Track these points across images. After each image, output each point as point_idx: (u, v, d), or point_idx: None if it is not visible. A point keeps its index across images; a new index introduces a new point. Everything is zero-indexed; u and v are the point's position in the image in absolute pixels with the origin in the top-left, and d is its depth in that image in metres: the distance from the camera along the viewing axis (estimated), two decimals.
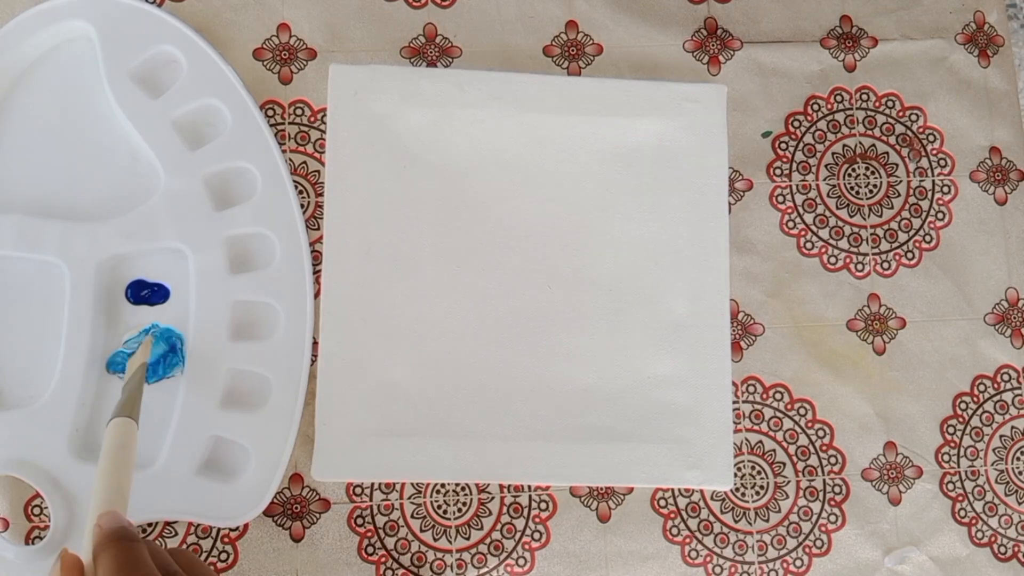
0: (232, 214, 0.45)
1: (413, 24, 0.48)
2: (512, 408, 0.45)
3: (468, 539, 0.45)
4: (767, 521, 0.46)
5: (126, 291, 0.44)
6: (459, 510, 0.45)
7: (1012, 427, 0.48)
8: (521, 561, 0.45)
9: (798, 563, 0.46)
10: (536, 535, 0.45)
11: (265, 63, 0.47)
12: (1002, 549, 0.47)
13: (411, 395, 0.45)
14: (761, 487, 0.47)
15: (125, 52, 0.45)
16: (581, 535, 0.45)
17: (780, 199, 0.49)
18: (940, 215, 0.50)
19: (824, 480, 0.47)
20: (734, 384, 0.47)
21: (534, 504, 0.45)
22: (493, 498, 0.45)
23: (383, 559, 0.44)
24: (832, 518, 0.47)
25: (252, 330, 0.45)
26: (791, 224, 0.49)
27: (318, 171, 0.47)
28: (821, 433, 0.47)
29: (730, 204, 0.48)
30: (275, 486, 0.43)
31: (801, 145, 0.49)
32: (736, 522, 0.46)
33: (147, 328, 0.44)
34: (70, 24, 0.45)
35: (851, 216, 0.49)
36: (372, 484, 0.45)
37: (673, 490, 0.46)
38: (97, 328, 0.43)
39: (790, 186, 0.49)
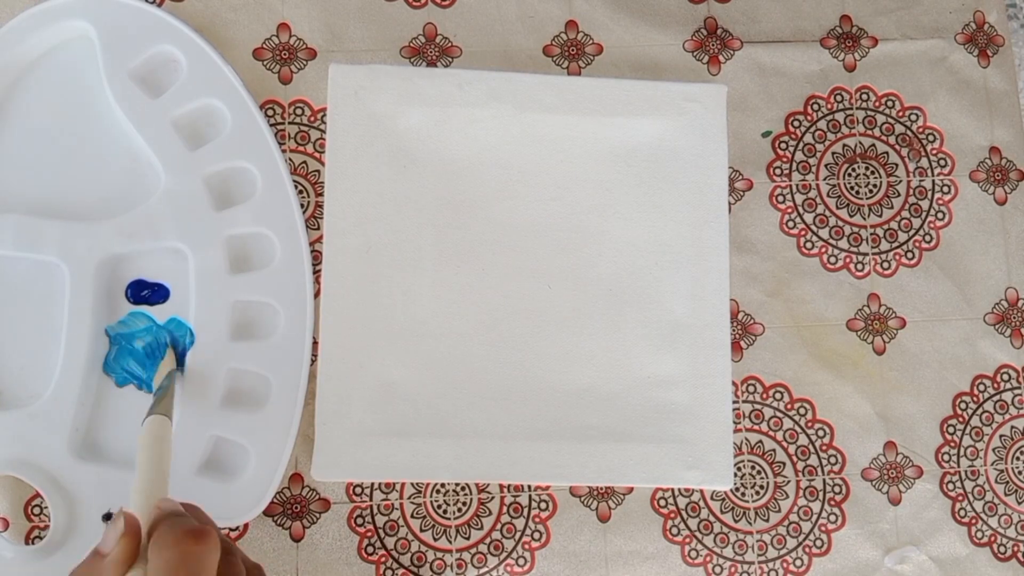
0: (232, 214, 0.45)
1: (413, 24, 0.48)
2: (512, 408, 0.45)
3: (468, 539, 0.45)
4: (767, 521, 0.46)
5: (126, 291, 0.44)
6: (459, 510, 0.45)
7: (1012, 427, 0.48)
8: (521, 561, 0.45)
9: (798, 563, 0.46)
10: (536, 535, 0.45)
11: (265, 63, 0.47)
12: (1002, 549, 0.47)
13: (411, 395, 0.45)
14: (761, 487, 0.47)
15: (125, 52, 0.45)
16: (581, 535, 0.45)
17: (780, 199, 0.49)
18: (940, 215, 0.50)
19: (824, 480, 0.47)
20: (734, 384, 0.47)
21: (534, 504, 0.45)
22: (493, 498, 0.45)
23: (383, 559, 0.44)
24: (832, 518, 0.47)
25: (252, 330, 0.45)
26: (791, 224, 0.49)
27: (318, 171, 0.47)
28: (821, 433, 0.47)
29: (730, 204, 0.48)
30: (275, 486, 0.43)
31: (801, 145, 0.49)
32: (736, 522, 0.46)
33: (149, 327, 0.44)
34: (70, 24, 0.45)
35: (851, 216, 0.49)
36: (372, 484, 0.45)
37: (673, 490, 0.46)
38: (97, 328, 0.43)
39: (790, 186, 0.49)
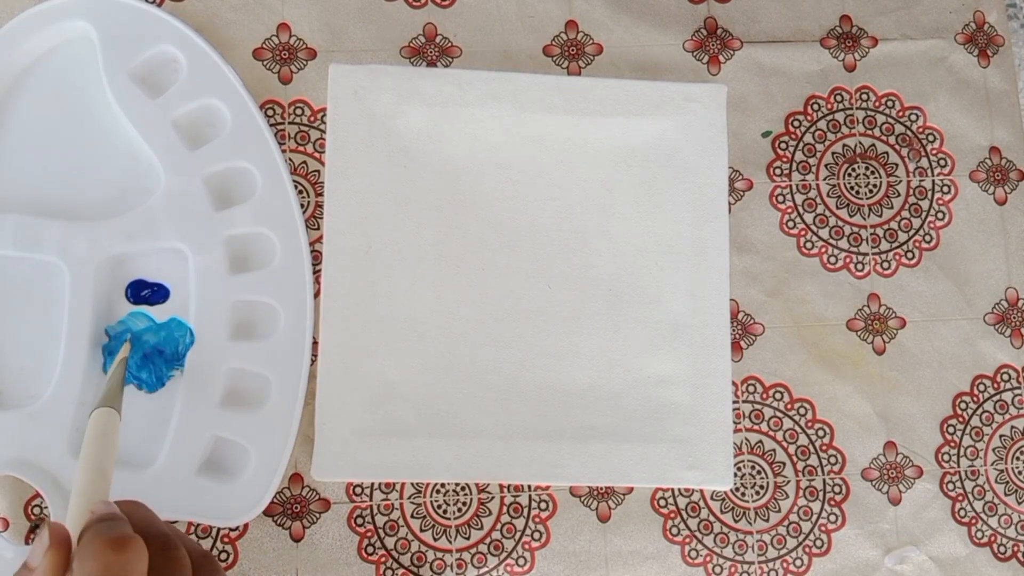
0: (232, 214, 0.45)
1: (413, 24, 0.48)
2: (512, 408, 0.45)
3: (468, 539, 0.45)
4: (767, 521, 0.46)
5: (126, 291, 0.44)
6: (459, 510, 0.45)
7: (1012, 427, 0.48)
8: (521, 561, 0.45)
9: (798, 563, 0.46)
10: (536, 535, 0.45)
11: (265, 63, 0.47)
12: (1002, 549, 0.47)
13: (411, 395, 0.45)
14: (761, 487, 0.47)
15: (125, 52, 0.45)
16: (581, 535, 0.45)
17: (780, 199, 0.49)
18: (940, 215, 0.50)
19: (824, 480, 0.47)
20: (734, 384, 0.47)
21: (534, 504, 0.45)
22: (493, 498, 0.45)
23: (383, 559, 0.44)
24: (832, 518, 0.47)
25: (252, 330, 0.45)
26: (791, 224, 0.49)
27: (318, 171, 0.47)
28: (821, 433, 0.47)
29: (730, 204, 0.48)
30: (275, 486, 0.43)
31: (801, 145, 0.49)
32: (736, 522, 0.46)
33: (149, 327, 0.44)
34: (70, 24, 0.45)
35: (851, 216, 0.49)
36: (372, 484, 0.45)
37: (673, 490, 0.46)
38: (97, 328, 0.43)
39: (790, 186, 0.49)
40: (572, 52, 0.49)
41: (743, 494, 0.47)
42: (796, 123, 0.50)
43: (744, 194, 0.49)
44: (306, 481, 0.44)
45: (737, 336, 0.48)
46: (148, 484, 0.42)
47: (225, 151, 0.45)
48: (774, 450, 0.47)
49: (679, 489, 0.46)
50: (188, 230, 0.44)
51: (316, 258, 0.46)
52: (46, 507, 0.42)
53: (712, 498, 0.46)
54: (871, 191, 0.49)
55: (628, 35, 0.49)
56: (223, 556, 0.43)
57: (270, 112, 0.47)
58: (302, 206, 0.46)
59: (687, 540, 0.46)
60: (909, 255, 0.49)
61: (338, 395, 0.44)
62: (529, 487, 0.46)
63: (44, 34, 0.45)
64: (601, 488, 0.46)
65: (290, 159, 0.47)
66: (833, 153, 0.50)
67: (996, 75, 0.51)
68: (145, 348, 0.44)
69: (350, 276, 0.45)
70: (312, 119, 0.47)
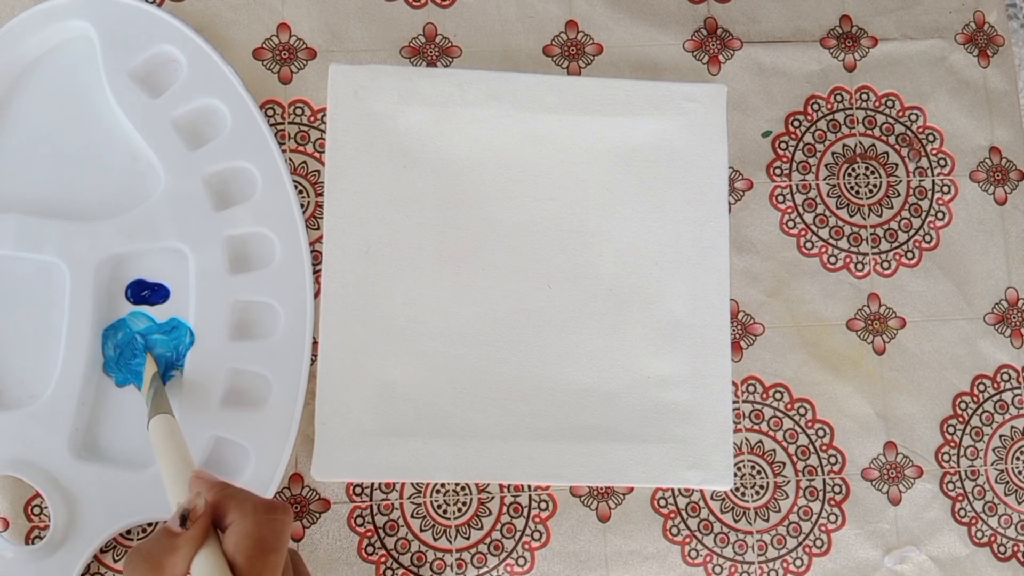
0: (232, 214, 0.45)
1: (413, 24, 0.48)
2: (512, 408, 0.45)
3: (468, 539, 0.45)
4: (767, 521, 0.46)
5: (126, 291, 0.44)
6: (459, 510, 0.45)
7: (1012, 427, 0.48)
8: (521, 561, 0.45)
9: (798, 563, 0.46)
10: (536, 535, 0.45)
11: (265, 63, 0.47)
12: (1002, 549, 0.47)
13: (411, 395, 0.45)
14: (761, 487, 0.47)
15: (125, 52, 0.45)
16: (581, 535, 0.45)
17: (780, 199, 0.49)
18: (940, 215, 0.50)
19: (824, 480, 0.47)
20: (734, 384, 0.47)
21: (534, 504, 0.45)
22: (493, 498, 0.45)
23: (383, 559, 0.44)
24: (832, 518, 0.47)
25: (252, 330, 0.45)
26: (791, 224, 0.49)
27: (318, 171, 0.47)
28: (821, 433, 0.47)
29: (730, 204, 0.48)
30: (275, 486, 0.43)
31: (801, 145, 0.49)
32: (736, 522, 0.46)
33: (149, 327, 0.44)
34: (70, 24, 0.45)
35: (851, 216, 0.49)
36: (372, 484, 0.45)
37: (673, 490, 0.46)
38: (97, 328, 0.43)
39: (790, 186, 0.49)
40: (572, 52, 0.49)
41: (743, 494, 0.47)
42: (796, 123, 0.50)
43: (744, 194, 0.49)
44: (306, 481, 0.44)
45: (737, 336, 0.48)
46: (148, 484, 0.42)
47: (225, 151, 0.45)
48: (774, 450, 0.47)
49: (679, 489, 0.46)
50: (188, 230, 0.44)
51: (316, 258, 0.46)
52: (46, 507, 0.42)
53: (712, 498, 0.46)
54: (871, 191, 0.49)
55: (628, 35, 0.49)
56: None
57: (270, 112, 0.47)
58: (302, 206, 0.46)
59: (687, 540, 0.46)
60: (909, 255, 0.49)
61: (338, 395, 0.44)
62: (529, 487, 0.46)
63: (44, 34, 0.45)
64: (601, 488, 0.46)
65: (290, 159, 0.47)
66: (833, 153, 0.50)
67: (996, 75, 0.51)
68: (119, 350, 0.44)
69: (350, 276, 0.45)
70: (312, 119, 0.47)
